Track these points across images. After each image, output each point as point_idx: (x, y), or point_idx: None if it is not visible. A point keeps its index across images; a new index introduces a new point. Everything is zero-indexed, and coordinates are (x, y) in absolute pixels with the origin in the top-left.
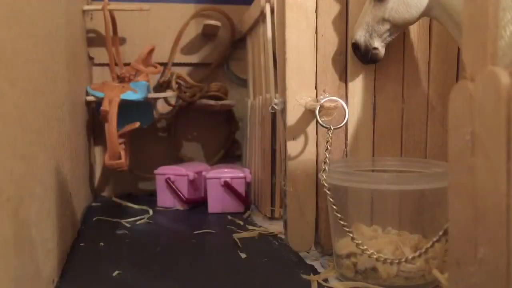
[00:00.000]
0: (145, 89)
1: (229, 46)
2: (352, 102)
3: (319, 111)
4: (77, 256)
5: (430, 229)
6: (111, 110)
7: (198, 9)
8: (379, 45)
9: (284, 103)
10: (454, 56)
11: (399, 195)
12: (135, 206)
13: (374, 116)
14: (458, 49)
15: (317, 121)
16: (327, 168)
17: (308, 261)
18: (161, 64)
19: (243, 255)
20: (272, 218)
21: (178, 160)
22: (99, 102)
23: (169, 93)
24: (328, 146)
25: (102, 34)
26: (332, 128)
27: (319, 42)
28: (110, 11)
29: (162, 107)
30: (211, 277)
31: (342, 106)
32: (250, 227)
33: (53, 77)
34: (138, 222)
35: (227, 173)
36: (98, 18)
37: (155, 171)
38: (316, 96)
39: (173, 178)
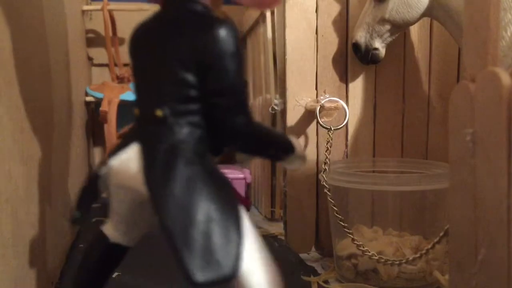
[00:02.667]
0: None
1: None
2: (352, 103)
3: (319, 112)
4: (76, 257)
5: (430, 230)
6: (111, 110)
7: None
8: (379, 45)
9: (284, 103)
10: (455, 56)
11: (399, 196)
12: None
13: (374, 117)
14: (459, 49)
15: (317, 122)
16: (327, 169)
17: (309, 263)
18: None
19: None
20: (272, 219)
21: None
22: (98, 102)
23: None
24: (329, 147)
25: (102, 34)
26: (332, 128)
27: (319, 43)
28: (110, 12)
29: None
30: None
31: (343, 106)
32: None
33: (52, 78)
34: None
35: (226, 173)
36: (97, 18)
37: None
38: (317, 97)
39: None
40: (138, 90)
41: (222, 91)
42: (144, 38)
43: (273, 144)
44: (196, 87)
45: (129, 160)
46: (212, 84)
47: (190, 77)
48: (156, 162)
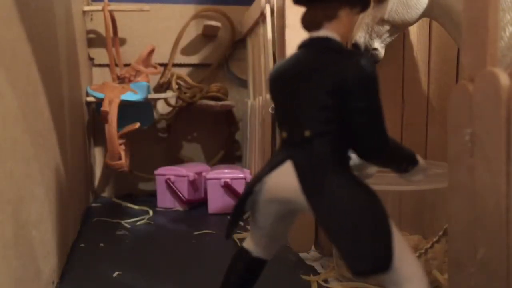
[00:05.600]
0: (145, 90)
1: (229, 46)
2: None
3: None
4: (77, 257)
5: (429, 230)
6: (111, 111)
7: (198, 9)
8: (378, 45)
9: None
10: (454, 57)
11: (398, 196)
12: (135, 207)
13: None
14: (458, 50)
15: None
16: None
17: (308, 262)
18: (161, 64)
19: None
20: None
21: (178, 160)
22: (99, 102)
23: (169, 94)
24: None
25: (102, 34)
26: None
27: None
28: (110, 12)
29: (162, 108)
30: (211, 277)
31: None
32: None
33: (53, 78)
34: (138, 223)
35: (227, 173)
36: (98, 18)
37: (155, 172)
38: None
39: (173, 179)
40: (284, 117)
41: (363, 110)
42: (288, 75)
43: (404, 158)
44: (335, 110)
45: (282, 175)
46: (354, 105)
47: (331, 102)
48: (310, 174)
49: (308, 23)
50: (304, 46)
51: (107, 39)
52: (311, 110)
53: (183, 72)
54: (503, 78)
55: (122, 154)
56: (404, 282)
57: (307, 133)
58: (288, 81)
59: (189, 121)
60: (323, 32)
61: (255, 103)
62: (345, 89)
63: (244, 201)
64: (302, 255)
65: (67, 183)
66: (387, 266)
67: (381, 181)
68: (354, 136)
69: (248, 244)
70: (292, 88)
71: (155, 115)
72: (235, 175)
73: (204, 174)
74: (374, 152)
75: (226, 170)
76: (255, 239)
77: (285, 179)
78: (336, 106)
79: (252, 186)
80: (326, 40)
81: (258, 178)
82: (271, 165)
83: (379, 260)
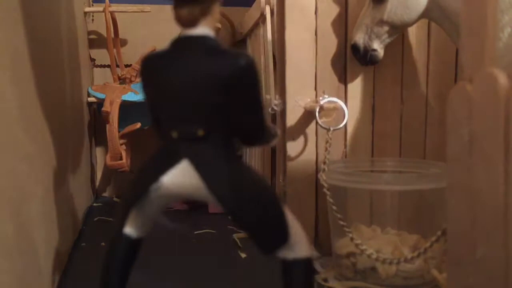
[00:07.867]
0: None
1: (229, 47)
2: (351, 103)
3: (318, 112)
4: (78, 256)
5: (429, 229)
6: (112, 111)
7: None
8: (378, 46)
9: (283, 104)
10: (453, 57)
11: (398, 196)
12: None
13: (373, 117)
14: (457, 50)
15: (316, 122)
16: (326, 169)
17: None
18: None
19: (243, 255)
20: None
21: None
22: (100, 103)
23: None
24: (328, 147)
25: (104, 35)
26: (331, 129)
27: (318, 44)
28: (111, 13)
29: None
30: (211, 277)
31: (342, 107)
32: None
33: (55, 78)
34: None
35: None
36: (99, 19)
37: None
38: (316, 97)
39: None
40: (170, 116)
41: (251, 106)
42: (171, 74)
43: (272, 135)
44: (225, 107)
45: (181, 174)
46: (243, 102)
47: (220, 101)
48: (210, 172)
49: (185, 20)
50: (182, 44)
51: (108, 40)
52: (202, 110)
53: None
54: (502, 79)
55: (123, 154)
56: (294, 245)
57: (200, 132)
58: (171, 81)
59: None
60: (200, 30)
61: None
62: (235, 88)
63: (138, 198)
64: None
65: (68, 183)
66: (287, 237)
67: (380, 180)
68: (241, 128)
69: (128, 230)
70: (177, 89)
71: None
72: None
73: None
74: (258, 139)
75: None
76: (137, 224)
77: (184, 178)
78: (226, 103)
79: (148, 185)
80: (206, 39)
81: (153, 177)
82: (165, 164)
83: (283, 235)
